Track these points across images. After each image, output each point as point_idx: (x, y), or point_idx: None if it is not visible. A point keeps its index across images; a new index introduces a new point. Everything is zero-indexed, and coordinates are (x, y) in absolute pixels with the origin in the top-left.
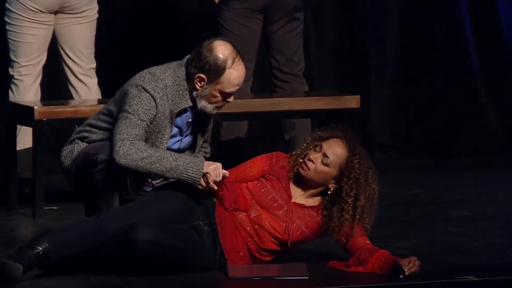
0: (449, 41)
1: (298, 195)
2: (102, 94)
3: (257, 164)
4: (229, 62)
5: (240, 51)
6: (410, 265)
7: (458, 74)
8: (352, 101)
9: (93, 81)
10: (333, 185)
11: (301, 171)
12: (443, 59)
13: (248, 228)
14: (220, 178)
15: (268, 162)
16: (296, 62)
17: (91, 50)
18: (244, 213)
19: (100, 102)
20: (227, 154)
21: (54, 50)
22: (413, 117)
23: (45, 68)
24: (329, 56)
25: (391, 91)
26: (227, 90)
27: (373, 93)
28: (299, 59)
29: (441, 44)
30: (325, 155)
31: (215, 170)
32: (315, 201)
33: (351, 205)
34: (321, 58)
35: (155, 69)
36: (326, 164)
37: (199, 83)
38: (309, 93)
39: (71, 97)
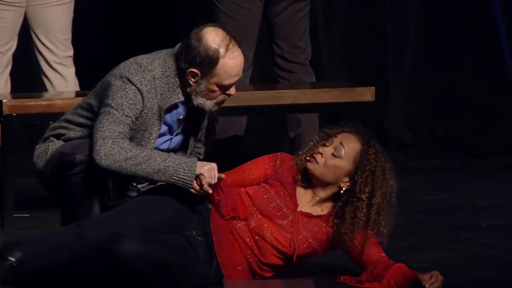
0: (478, 27)
1: (304, 203)
2: (80, 85)
3: (259, 166)
4: (222, 51)
5: (235, 36)
6: (432, 281)
7: (488, 63)
8: (366, 94)
9: (69, 70)
10: (346, 183)
11: (309, 165)
12: (471, 46)
13: (248, 239)
14: (216, 181)
15: (272, 164)
16: (302, 49)
17: (68, 36)
18: (244, 222)
19: (77, 94)
20: (223, 154)
21: (26, 36)
22: (436, 111)
23: (16, 56)
24: (339, 42)
25: (411, 82)
26: (225, 83)
27: (390, 84)
28: (305, 46)
29: (468, 29)
30: (337, 147)
31: (209, 171)
32: (323, 209)
33: (365, 202)
34: (331, 44)
35: (142, 59)
36: (338, 157)
37: (192, 79)
38: (317, 84)
39: (45, 89)
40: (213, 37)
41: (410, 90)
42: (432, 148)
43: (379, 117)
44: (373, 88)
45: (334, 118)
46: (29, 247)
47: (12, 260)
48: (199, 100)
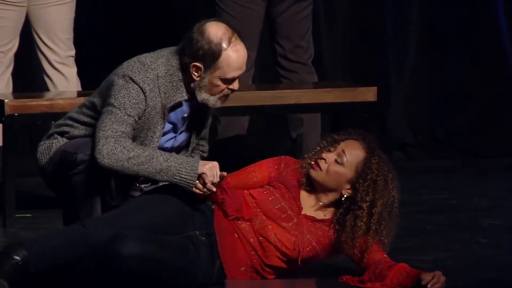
0: (480, 27)
1: (308, 207)
2: (82, 85)
3: (263, 169)
4: (224, 44)
5: (238, 30)
6: (434, 281)
7: (490, 63)
8: (368, 94)
9: (71, 70)
10: (348, 191)
11: (312, 172)
12: (472, 46)
13: (252, 240)
14: (218, 179)
15: (276, 167)
16: (304, 49)
17: (70, 35)
18: (248, 223)
19: (79, 94)
20: (225, 154)
21: (28, 35)
22: (437, 111)
23: (17, 55)
24: (342, 42)
25: (412, 82)
26: (229, 76)
27: (392, 84)
28: (308, 45)
29: (470, 29)
30: (339, 154)
31: (211, 170)
32: (326, 214)
33: (366, 211)
34: (333, 44)
35: (146, 57)
36: (340, 164)
37: (195, 73)
38: (319, 84)
39: (47, 89)
40: (215, 31)
41: (411, 90)
42: (433, 148)
43: (381, 117)
44: (375, 88)
45: (336, 118)
46: (34, 246)
47: (17, 259)
48: (203, 96)
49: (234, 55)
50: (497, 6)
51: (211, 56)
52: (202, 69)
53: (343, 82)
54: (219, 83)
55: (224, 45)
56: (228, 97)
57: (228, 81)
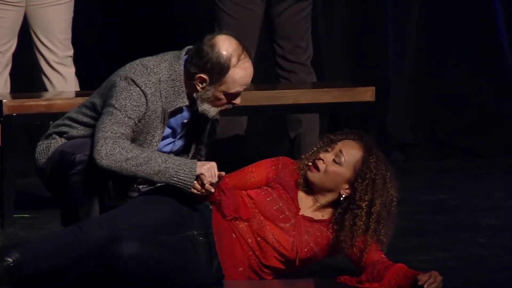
0: (479, 27)
1: (306, 208)
2: (80, 85)
3: (261, 169)
4: (233, 60)
5: (247, 47)
6: (430, 281)
7: (490, 63)
8: (366, 94)
9: (69, 70)
10: (346, 191)
11: (309, 174)
12: (471, 45)
13: (250, 240)
14: (216, 179)
15: (274, 168)
16: (303, 49)
17: (68, 36)
18: (246, 223)
19: (77, 94)
20: (224, 154)
21: (26, 35)
22: (437, 111)
23: (15, 55)
24: (340, 42)
25: (411, 82)
26: (232, 91)
27: (391, 84)
28: (307, 46)
29: (470, 29)
30: (337, 154)
31: (209, 170)
32: (324, 215)
33: (365, 210)
34: (332, 44)
35: (149, 61)
36: (338, 164)
37: (200, 84)
38: (318, 84)
39: (45, 89)
40: (226, 46)
41: (411, 90)
42: (433, 148)
43: (380, 117)
44: (373, 88)
45: (335, 118)
46: (27, 248)
47: (9, 260)
48: (204, 107)
49: (242, 73)
50: (496, 6)
51: (219, 71)
52: (208, 81)
53: (341, 82)
54: (222, 97)
55: (233, 62)
56: (228, 110)
57: (231, 96)
